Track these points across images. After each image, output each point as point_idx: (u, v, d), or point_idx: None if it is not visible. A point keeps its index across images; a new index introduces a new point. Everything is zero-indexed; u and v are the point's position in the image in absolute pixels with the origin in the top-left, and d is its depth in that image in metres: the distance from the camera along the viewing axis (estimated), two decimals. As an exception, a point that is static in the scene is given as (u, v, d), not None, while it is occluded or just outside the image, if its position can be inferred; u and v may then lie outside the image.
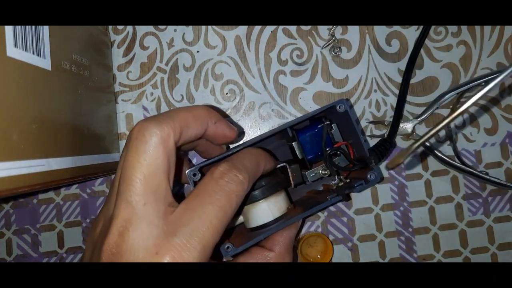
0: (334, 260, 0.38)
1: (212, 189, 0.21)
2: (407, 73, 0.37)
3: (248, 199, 0.31)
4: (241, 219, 0.33)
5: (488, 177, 0.35)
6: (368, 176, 0.30)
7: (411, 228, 0.38)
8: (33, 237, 0.38)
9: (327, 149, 0.31)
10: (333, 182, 0.30)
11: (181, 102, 0.39)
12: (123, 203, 0.20)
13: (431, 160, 0.38)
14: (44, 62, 0.27)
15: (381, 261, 0.37)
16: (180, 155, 0.32)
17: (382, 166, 0.38)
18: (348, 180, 0.30)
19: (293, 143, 0.33)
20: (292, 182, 0.33)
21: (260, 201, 0.31)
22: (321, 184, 0.35)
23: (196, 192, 0.22)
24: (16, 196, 0.38)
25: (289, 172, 0.32)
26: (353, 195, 0.38)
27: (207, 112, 0.25)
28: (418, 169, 0.38)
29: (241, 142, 0.32)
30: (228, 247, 0.30)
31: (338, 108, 0.31)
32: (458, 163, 0.36)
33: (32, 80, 0.26)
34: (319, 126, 0.33)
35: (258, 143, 0.33)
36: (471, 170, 0.35)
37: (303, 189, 0.36)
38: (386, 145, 0.34)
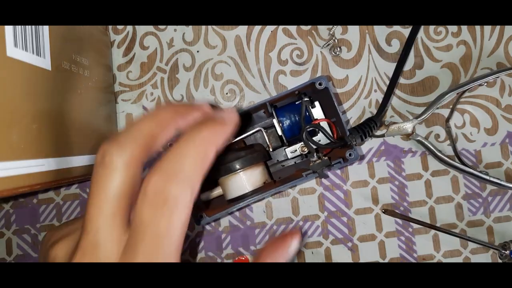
0: (334, 260, 0.38)
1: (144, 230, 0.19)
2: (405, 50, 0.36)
3: (227, 170, 0.32)
4: (220, 191, 0.33)
5: (488, 177, 0.35)
6: (347, 154, 0.31)
7: (411, 228, 0.38)
8: (33, 237, 0.38)
9: (306, 125, 0.31)
10: (312, 159, 0.31)
11: (181, 102, 0.39)
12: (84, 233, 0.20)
13: (431, 160, 0.38)
14: (44, 62, 0.27)
15: (381, 261, 0.37)
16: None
17: (364, 146, 0.38)
18: (326, 158, 0.30)
19: (273, 120, 0.33)
20: (269, 144, 0.33)
21: (238, 172, 0.32)
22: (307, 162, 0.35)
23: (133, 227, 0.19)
24: (16, 196, 0.38)
25: (265, 136, 0.33)
26: (353, 195, 0.38)
27: (173, 113, 0.21)
28: (418, 169, 0.38)
29: None
30: (201, 216, 0.31)
31: (317, 85, 0.31)
32: (458, 163, 0.36)
33: (32, 80, 0.26)
34: (296, 103, 0.33)
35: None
36: (471, 170, 0.35)
37: (291, 168, 0.36)
38: (370, 124, 0.34)
